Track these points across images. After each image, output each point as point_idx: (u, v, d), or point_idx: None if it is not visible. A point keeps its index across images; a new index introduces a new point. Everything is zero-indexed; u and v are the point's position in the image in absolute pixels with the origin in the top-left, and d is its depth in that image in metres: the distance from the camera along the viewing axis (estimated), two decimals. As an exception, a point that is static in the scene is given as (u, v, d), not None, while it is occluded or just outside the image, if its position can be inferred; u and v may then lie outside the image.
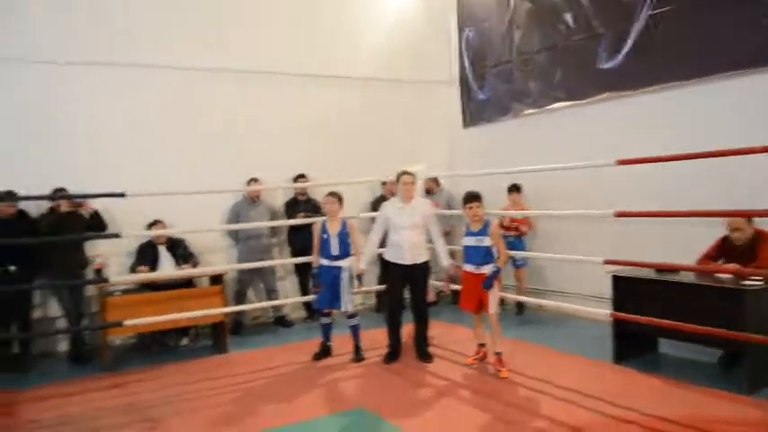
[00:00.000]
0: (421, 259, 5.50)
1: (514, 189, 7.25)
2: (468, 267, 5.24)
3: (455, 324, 6.83)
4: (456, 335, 6.36)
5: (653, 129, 6.15)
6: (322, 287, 5.62)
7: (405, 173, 5.52)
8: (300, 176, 7.42)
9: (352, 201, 7.09)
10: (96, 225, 6.24)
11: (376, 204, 7.14)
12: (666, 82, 6.02)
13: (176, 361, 5.98)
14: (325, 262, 5.63)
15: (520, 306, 7.39)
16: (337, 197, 5.71)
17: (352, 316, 5.70)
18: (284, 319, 7.41)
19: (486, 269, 5.12)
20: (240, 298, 7.17)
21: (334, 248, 5.57)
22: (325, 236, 5.61)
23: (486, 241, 5.14)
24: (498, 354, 5.14)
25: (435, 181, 8.00)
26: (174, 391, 5.04)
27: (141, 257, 6.38)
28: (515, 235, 7.22)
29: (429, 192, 7.68)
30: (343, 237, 5.61)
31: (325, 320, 5.82)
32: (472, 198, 5.24)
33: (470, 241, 5.22)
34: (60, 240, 5.87)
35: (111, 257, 6.60)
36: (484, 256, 5.15)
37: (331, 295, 5.61)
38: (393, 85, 8.53)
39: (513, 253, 6.65)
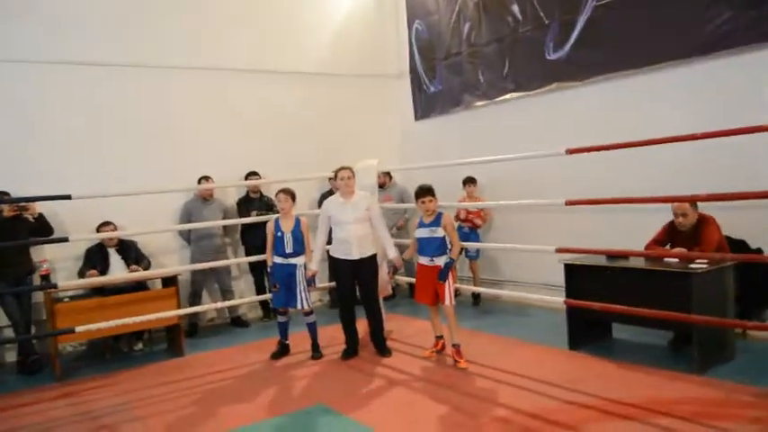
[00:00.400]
0: (368, 253, 5.46)
1: (469, 181, 7.30)
2: (423, 260, 5.26)
3: (412, 317, 6.86)
4: (413, 327, 6.39)
5: (601, 118, 6.27)
6: (279, 286, 5.57)
7: (341, 168, 5.48)
8: (252, 174, 7.32)
9: (303, 197, 7.06)
10: (41, 229, 6.03)
11: (323, 199, 7.08)
12: (613, 71, 6.13)
13: (131, 367, 5.84)
14: (279, 260, 5.58)
15: (476, 297, 7.47)
16: (290, 194, 5.65)
17: (308, 314, 5.67)
18: (240, 320, 7.32)
19: (441, 261, 5.14)
20: (195, 299, 7.04)
21: (288, 246, 5.53)
22: (279, 233, 5.56)
23: (440, 232, 5.14)
24: (456, 345, 5.18)
25: (388, 175, 7.98)
26: (129, 397, 4.93)
27: (90, 261, 6.19)
28: (470, 227, 7.27)
29: (382, 186, 7.68)
30: (297, 234, 5.57)
31: (281, 319, 5.77)
32: (424, 192, 5.23)
33: (423, 233, 5.23)
34: (4, 246, 5.66)
35: (58, 262, 6.42)
36: (437, 247, 5.16)
37: (287, 293, 5.57)
38: (343, 79, 8.50)
39: (466, 244, 6.70)
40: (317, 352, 5.68)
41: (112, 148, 6.82)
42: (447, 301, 5.13)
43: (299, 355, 5.72)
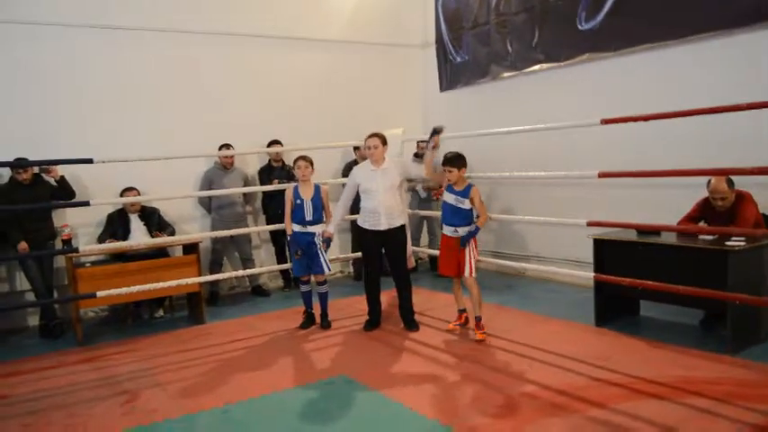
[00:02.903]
0: (397, 223, 5.33)
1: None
2: (447, 230, 5.15)
3: (435, 290, 6.78)
4: (437, 301, 6.32)
5: (635, 90, 6.07)
6: (300, 254, 5.50)
7: (370, 136, 5.32)
8: (274, 142, 7.22)
9: (324, 166, 6.97)
10: (63, 193, 6.00)
11: (347, 170, 6.98)
12: (648, 42, 5.92)
13: (152, 333, 5.83)
14: (298, 228, 5.50)
15: None
16: (309, 161, 5.56)
17: (322, 283, 5.63)
18: (261, 289, 7.28)
19: (463, 231, 5.03)
20: (215, 268, 7.02)
21: (308, 213, 5.45)
22: (299, 201, 5.47)
23: (466, 204, 5.03)
24: (478, 318, 5.09)
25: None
26: (150, 363, 4.91)
27: (111, 226, 6.17)
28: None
29: (418, 156, 7.51)
30: (317, 201, 5.50)
31: (304, 288, 5.72)
32: (446, 161, 5.11)
33: (449, 198, 5.11)
34: (26, 209, 5.65)
35: (79, 228, 6.42)
36: (462, 219, 5.05)
37: (307, 261, 5.50)
38: (368, 48, 8.33)
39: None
40: (325, 321, 5.64)
41: (135, 115, 6.75)
42: (467, 273, 5.02)
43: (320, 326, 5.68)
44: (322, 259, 5.47)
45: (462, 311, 5.41)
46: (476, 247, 5.12)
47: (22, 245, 5.68)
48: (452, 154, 5.13)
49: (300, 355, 4.91)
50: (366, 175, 5.31)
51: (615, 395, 3.76)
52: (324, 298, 5.71)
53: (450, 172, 5.07)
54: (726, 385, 3.82)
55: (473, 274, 5.06)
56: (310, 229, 5.48)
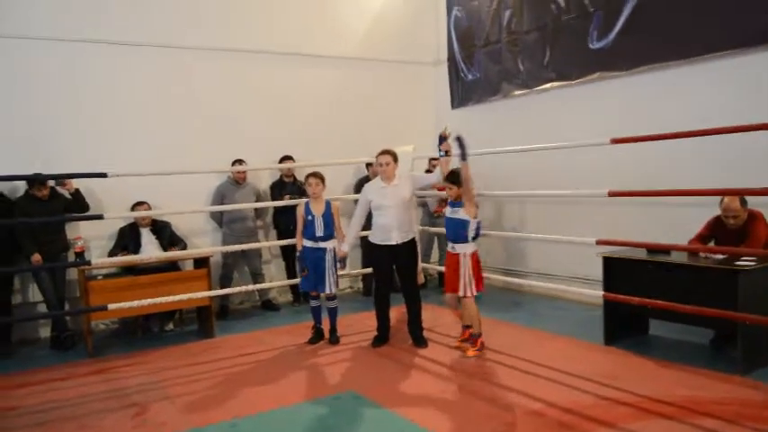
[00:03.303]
0: (408, 238, 5.37)
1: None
2: (448, 246, 5.17)
3: (444, 307, 6.77)
4: (445, 317, 6.29)
5: (646, 109, 6.09)
6: (308, 270, 5.54)
7: (381, 153, 5.37)
8: (287, 158, 7.28)
9: (335, 182, 7.01)
10: (77, 206, 6.07)
11: (360, 186, 7.02)
12: (659, 61, 5.94)
13: (161, 346, 5.86)
14: (309, 243, 5.55)
15: None
16: (320, 178, 5.62)
17: (332, 298, 5.66)
18: (271, 303, 7.31)
19: (461, 249, 5.00)
20: (225, 282, 7.05)
21: (319, 230, 5.50)
22: (310, 217, 5.52)
23: (461, 214, 5.00)
24: (474, 335, 5.09)
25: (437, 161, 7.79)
26: (159, 376, 4.93)
27: (122, 240, 6.23)
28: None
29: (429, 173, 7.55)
30: (328, 218, 5.54)
31: (314, 303, 5.74)
32: (447, 179, 5.12)
33: (448, 211, 5.14)
34: (42, 222, 5.72)
35: (92, 240, 6.47)
36: (456, 231, 5.03)
37: (316, 277, 5.54)
38: (380, 65, 8.40)
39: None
40: (334, 336, 5.66)
41: (150, 130, 6.84)
42: (461, 291, 5.00)
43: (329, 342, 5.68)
44: (328, 278, 5.51)
45: (467, 327, 5.39)
46: (474, 266, 5.03)
47: (36, 257, 5.75)
48: (452, 171, 5.13)
49: (309, 371, 4.92)
50: (377, 191, 5.35)
51: (623, 414, 3.74)
52: (333, 313, 5.73)
53: (450, 189, 5.09)
54: (734, 406, 3.79)
55: (467, 294, 5.00)
56: (321, 244, 5.52)
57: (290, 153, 7.32)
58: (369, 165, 7.36)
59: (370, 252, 5.62)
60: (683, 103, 5.76)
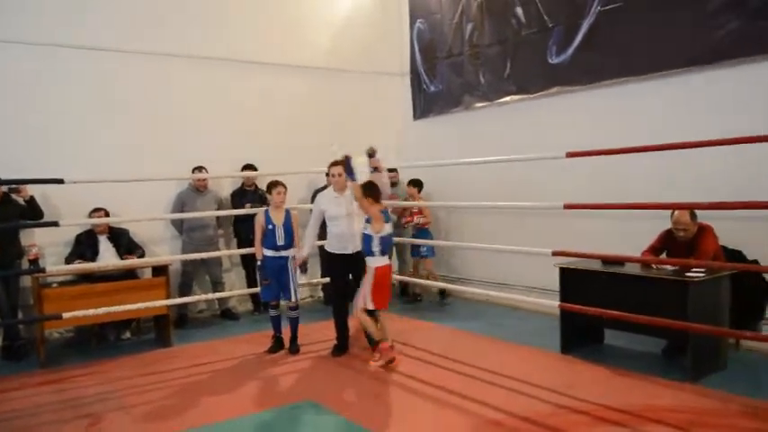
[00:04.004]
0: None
1: (413, 183, 7.59)
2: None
3: (400, 315, 6.83)
4: (404, 325, 6.33)
5: (602, 123, 6.23)
6: (270, 280, 5.52)
7: (334, 164, 5.45)
8: (248, 166, 7.24)
9: (291, 192, 6.99)
10: (32, 212, 5.94)
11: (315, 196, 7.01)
12: (616, 77, 6.09)
13: (117, 356, 5.76)
14: (270, 253, 5.54)
15: (442, 293, 7.56)
16: (285, 187, 5.64)
17: (294, 308, 5.65)
18: (230, 312, 7.24)
19: (368, 261, 5.07)
20: (185, 290, 6.97)
21: (280, 239, 5.51)
22: (270, 226, 5.52)
23: (368, 229, 5.05)
24: (372, 343, 5.14)
25: (395, 172, 7.81)
26: (114, 386, 4.85)
27: (79, 247, 6.11)
28: (416, 226, 7.46)
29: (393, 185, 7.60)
30: (288, 227, 5.56)
31: (273, 312, 5.72)
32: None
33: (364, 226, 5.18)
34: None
35: (47, 248, 6.33)
36: (363, 244, 5.11)
37: (278, 286, 5.53)
38: (342, 75, 8.43)
39: (419, 241, 7.20)
40: (294, 345, 5.65)
41: (107, 135, 6.71)
42: (357, 302, 5.10)
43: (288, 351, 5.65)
44: (292, 286, 5.53)
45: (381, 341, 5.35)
46: (376, 281, 5.02)
47: None
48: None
49: (267, 380, 4.90)
50: (331, 201, 5.43)
51: (579, 422, 3.82)
52: (294, 322, 5.72)
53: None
54: (687, 413, 3.90)
55: (360, 305, 5.06)
56: (283, 253, 5.52)
57: (251, 162, 7.27)
58: (328, 174, 7.32)
59: (328, 261, 5.63)
60: (638, 118, 5.91)
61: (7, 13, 6.22)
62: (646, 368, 4.76)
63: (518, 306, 6.97)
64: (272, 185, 5.66)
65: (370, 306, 5.03)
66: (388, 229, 5.05)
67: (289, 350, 5.62)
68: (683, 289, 4.43)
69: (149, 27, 6.99)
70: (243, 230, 7.17)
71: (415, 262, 7.66)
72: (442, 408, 4.17)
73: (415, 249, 7.54)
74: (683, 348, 4.66)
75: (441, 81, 8.30)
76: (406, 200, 7.55)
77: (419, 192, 7.63)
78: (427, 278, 7.48)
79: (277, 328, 5.73)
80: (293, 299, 5.57)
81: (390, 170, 7.46)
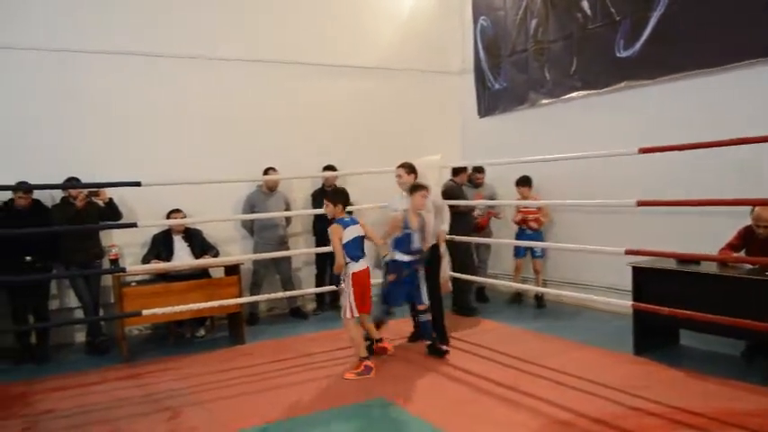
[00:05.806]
0: (430, 244, 5.47)
1: (522, 182, 7.22)
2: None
3: (461, 315, 6.83)
4: (468, 324, 6.33)
5: (673, 118, 6.05)
6: (395, 275, 5.29)
7: (398, 166, 5.53)
8: (328, 167, 7.35)
9: (364, 191, 7.10)
10: (111, 214, 6.21)
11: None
12: (687, 70, 5.91)
13: (193, 352, 5.96)
14: (406, 258, 5.27)
15: (539, 298, 7.32)
16: (428, 190, 5.36)
17: (423, 312, 5.41)
18: (299, 310, 7.37)
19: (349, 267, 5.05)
20: (256, 289, 7.14)
21: (417, 242, 5.27)
22: (407, 230, 5.25)
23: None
24: (362, 357, 5.04)
25: (479, 170, 7.65)
26: (192, 381, 5.03)
27: (155, 247, 6.36)
28: (533, 228, 7.20)
29: (477, 185, 7.58)
30: (422, 231, 5.32)
31: (424, 318, 5.43)
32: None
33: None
34: (77, 230, 5.87)
35: (126, 248, 6.62)
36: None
37: (410, 289, 5.37)
38: (407, 74, 8.47)
39: (531, 243, 6.89)
40: (433, 348, 5.45)
41: (184, 139, 6.99)
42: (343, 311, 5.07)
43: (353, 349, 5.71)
44: (423, 290, 5.36)
45: (379, 341, 5.43)
46: (355, 286, 4.98)
47: None
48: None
49: (339, 377, 4.96)
50: (400, 202, 5.46)
51: (653, 425, 3.74)
52: (429, 326, 5.46)
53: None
54: (765, 418, 3.76)
55: (346, 315, 5.00)
56: (419, 257, 5.34)
57: (321, 162, 7.41)
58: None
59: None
60: (712, 111, 5.72)
61: (82, 26, 6.53)
62: (724, 371, 4.61)
63: (590, 306, 6.85)
64: (418, 188, 5.27)
65: (356, 313, 4.99)
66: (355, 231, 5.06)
67: (436, 353, 5.42)
68: (764, 288, 4.27)
69: (222, 34, 7.24)
70: (320, 228, 7.22)
71: (519, 263, 7.45)
72: (511, 407, 4.15)
73: (522, 249, 7.35)
74: (763, 350, 4.49)
75: (505, 78, 8.23)
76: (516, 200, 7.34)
77: (530, 189, 7.26)
78: (537, 280, 7.35)
79: (428, 333, 5.48)
80: (425, 302, 5.37)
81: (477, 170, 7.49)
